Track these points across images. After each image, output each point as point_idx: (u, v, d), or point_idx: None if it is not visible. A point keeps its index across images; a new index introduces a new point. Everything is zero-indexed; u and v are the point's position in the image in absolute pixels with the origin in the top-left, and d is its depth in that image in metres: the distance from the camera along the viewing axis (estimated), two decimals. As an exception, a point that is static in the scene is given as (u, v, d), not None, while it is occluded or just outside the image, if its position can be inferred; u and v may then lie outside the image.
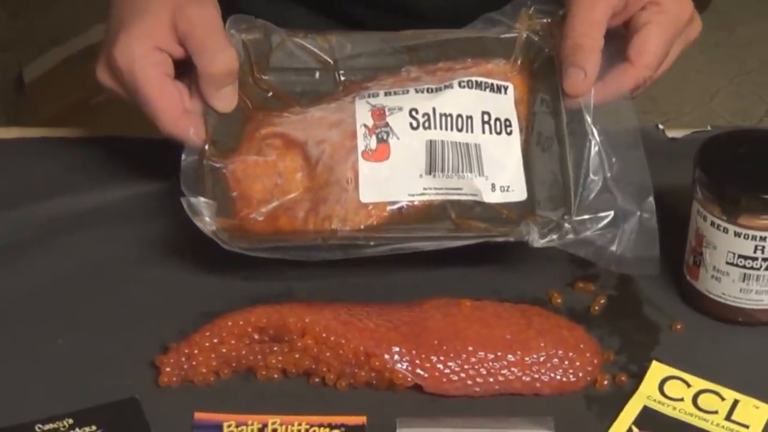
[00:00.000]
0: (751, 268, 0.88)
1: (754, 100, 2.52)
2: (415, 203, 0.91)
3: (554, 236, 0.89)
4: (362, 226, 0.91)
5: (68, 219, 0.99)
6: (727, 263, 0.88)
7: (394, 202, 0.91)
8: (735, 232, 0.87)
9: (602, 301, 0.92)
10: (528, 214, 0.91)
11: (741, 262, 0.88)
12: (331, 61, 0.98)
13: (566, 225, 0.90)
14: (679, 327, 0.90)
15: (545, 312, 0.89)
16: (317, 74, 0.99)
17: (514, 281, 0.94)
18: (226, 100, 0.95)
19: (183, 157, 0.92)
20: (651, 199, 0.90)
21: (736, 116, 2.45)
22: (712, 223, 0.88)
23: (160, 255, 0.95)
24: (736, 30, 2.73)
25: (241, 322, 0.87)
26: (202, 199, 0.90)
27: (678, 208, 0.96)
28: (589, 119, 0.92)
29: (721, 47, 2.67)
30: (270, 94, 0.98)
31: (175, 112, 0.92)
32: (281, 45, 0.98)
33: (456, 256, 0.93)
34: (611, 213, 0.90)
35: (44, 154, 1.05)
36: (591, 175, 0.91)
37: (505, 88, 0.96)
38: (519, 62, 0.98)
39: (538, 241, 0.89)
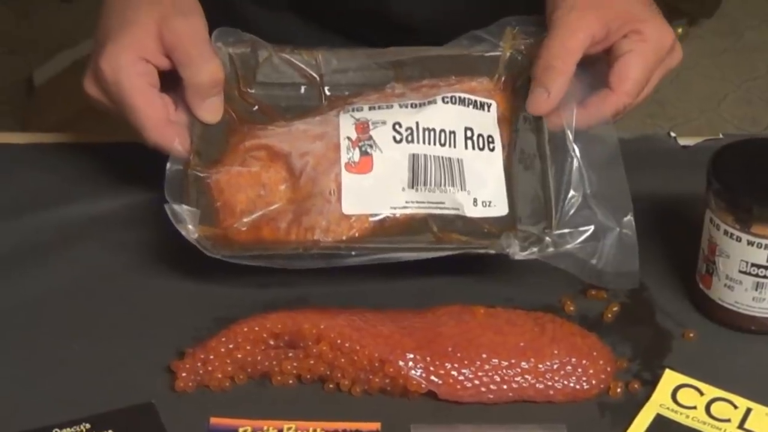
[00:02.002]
0: (764, 276, 0.88)
1: (762, 106, 2.53)
2: (397, 216, 0.92)
3: (534, 249, 0.90)
4: (344, 237, 0.91)
5: (83, 224, 0.99)
6: (740, 272, 0.88)
7: (376, 215, 0.92)
8: (748, 240, 0.87)
9: (615, 309, 0.93)
10: (509, 228, 0.92)
11: (754, 270, 0.88)
12: (317, 77, 1.00)
13: (547, 238, 0.90)
14: (691, 335, 0.91)
15: (558, 319, 0.90)
16: (303, 89, 1.00)
17: (526, 289, 0.94)
18: (211, 110, 0.96)
19: (168, 166, 0.93)
20: (630, 215, 0.91)
21: (743, 122, 2.46)
22: (725, 232, 0.88)
23: (175, 261, 0.96)
24: (744, 35, 2.73)
25: (256, 328, 0.87)
26: (185, 206, 0.90)
27: (690, 216, 0.96)
28: (570, 137, 0.93)
29: (728, 53, 2.68)
30: (256, 108, 0.99)
31: (160, 121, 0.93)
32: (268, 60, 1.00)
33: (468, 264, 0.94)
34: (591, 227, 0.91)
35: (58, 160, 1.06)
36: (572, 191, 0.92)
37: (488, 106, 0.97)
38: (502, 80, 0.99)
39: (518, 254, 0.90)
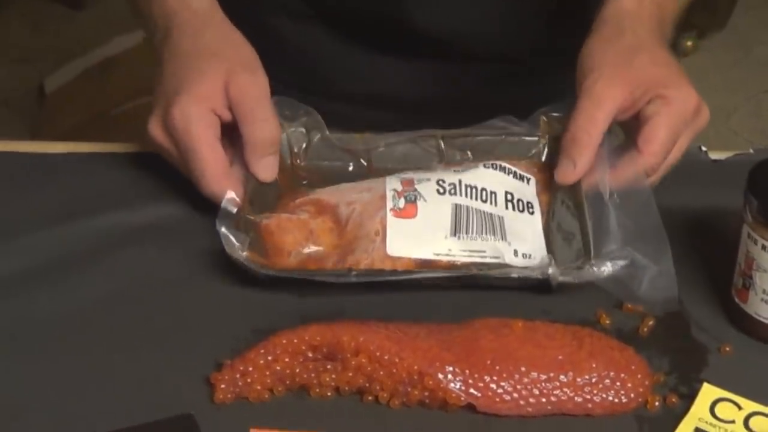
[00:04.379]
0: (802, 291, 0.88)
1: (773, 119, 2.54)
2: (440, 261, 0.94)
3: (575, 273, 0.92)
4: None
5: (120, 235, 0.99)
6: (777, 286, 0.89)
7: (419, 259, 0.94)
8: (786, 255, 0.87)
9: (650, 323, 0.93)
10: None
11: (791, 285, 0.88)
12: (365, 156, 1.04)
13: (587, 266, 0.92)
14: (728, 349, 0.91)
15: (596, 333, 0.90)
16: (351, 166, 1.04)
17: (563, 302, 0.94)
18: (267, 169, 0.99)
19: (222, 204, 0.95)
20: (668, 254, 0.92)
21: (754, 135, 2.46)
22: (763, 247, 0.88)
23: (212, 272, 0.96)
24: (754, 49, 2.74)
25: (295, 340, 0.87)
26: (237, 232, 0.93)
27: (722, 230, 0.97)
28: (606, 197, 0.95)
29: (738, 66, 2.68)
30: (305, 182, 1.03)
31: (220, 172, 0.96)
32: (320, 140, 1.04)
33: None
34: (629, 259, 0.92)
35: (95, 170, 1.06)
36: (611, 244, 0.93)
37: (528, 179, 1.00)
38: (543, 160, 1.03)
39: (558, 277, 0.92)
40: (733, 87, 2.60)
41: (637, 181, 0.96)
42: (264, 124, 0.97)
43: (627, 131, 1.00)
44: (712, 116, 1.02)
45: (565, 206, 0.98)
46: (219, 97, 0.97)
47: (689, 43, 2.66)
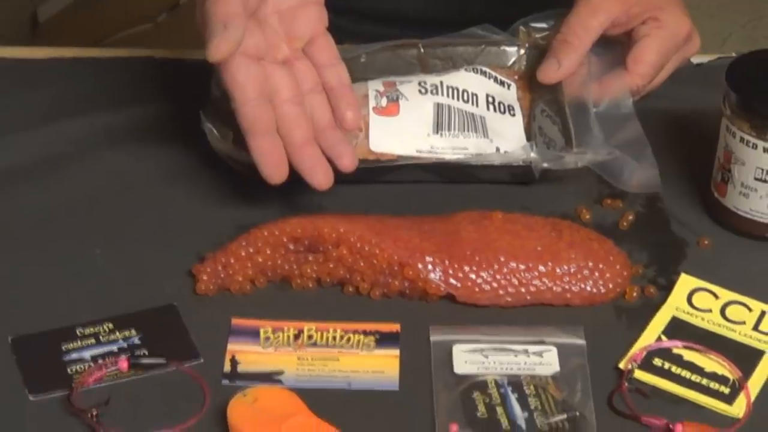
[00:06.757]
0: (779, 183, 0.89)
1: (767, 45, 2.52)
2: (423, 157, 0.94)
3: (557, 160, 0.92)
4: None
5: (104, 135, 1.00)
6: (756, 179, 0.89)
7: (402, 156, 0.94)
8: (764, 147, 0.88)
9: (630, 218, 0.93)
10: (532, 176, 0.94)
11: (769, 177, 0.89)
12: (347, 66, 1.02)
13: (570, 154, 0.92)
14: (706, 243, 0.92)
15: (576, 225, 0.90)
16: None
17: (543, 197, 0.95)
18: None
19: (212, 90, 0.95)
20: (649, 150, 0.93)
21: (748, 61, 2.45)
22: (741, 139, 0.89)
23: (195, 169, 0.97)
24: (749, -26, 2.72)
25: (276, 232, 0.88)
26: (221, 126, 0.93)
27: (703, 131, 0.98)
28: (589, 104, 0.96)
29: (733, -8, 2.67)
30: None
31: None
32: None
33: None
34: (612, 151, 0.93)
35: (78, 74, 1.06)
36: (593, 144, 0.93)
37: (509, 85, 1.01)
38: (522, 69, 1.03)
39: (541, 163, 0.92)
40: (727, 13, 2.58)
41: (621, 98, 0.97)
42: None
43: (618, 48, 1.00)
44: (706, 42, 1.02)
45: (545, 115, 0.99)
46: None
47: (684, -30, 2.64)
